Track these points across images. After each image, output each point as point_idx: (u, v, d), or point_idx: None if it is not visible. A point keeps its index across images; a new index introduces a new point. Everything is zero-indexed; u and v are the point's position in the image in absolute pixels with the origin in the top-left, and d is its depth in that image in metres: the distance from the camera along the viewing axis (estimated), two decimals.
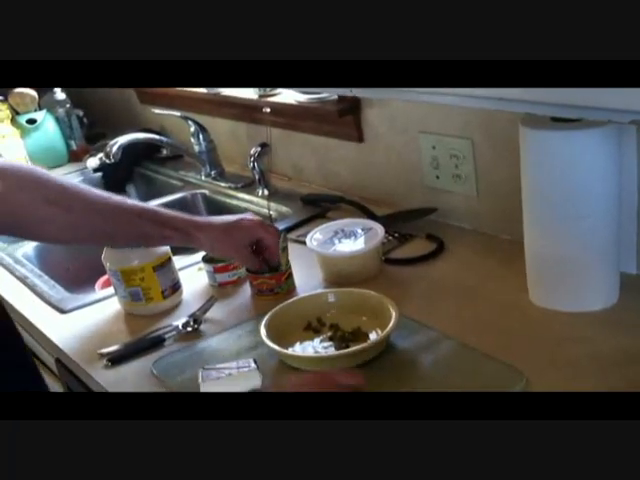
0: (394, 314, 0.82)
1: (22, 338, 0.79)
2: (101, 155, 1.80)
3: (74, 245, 1.04)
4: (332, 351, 0.83)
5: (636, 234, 0.89)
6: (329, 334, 0.87)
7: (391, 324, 0.81)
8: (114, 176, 1.80)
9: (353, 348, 0.81)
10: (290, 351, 0.84)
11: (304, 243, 1.07)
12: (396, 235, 1.15)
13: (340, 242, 1.04)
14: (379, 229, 1.05)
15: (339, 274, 1.03)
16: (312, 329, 0.89)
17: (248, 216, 1.01)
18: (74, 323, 1.04)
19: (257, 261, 0.99)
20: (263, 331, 0.85)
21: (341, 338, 0.85)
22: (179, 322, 0.96)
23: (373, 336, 0.84)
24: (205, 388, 0.79)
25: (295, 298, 0.95)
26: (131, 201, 0.95)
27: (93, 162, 1.82)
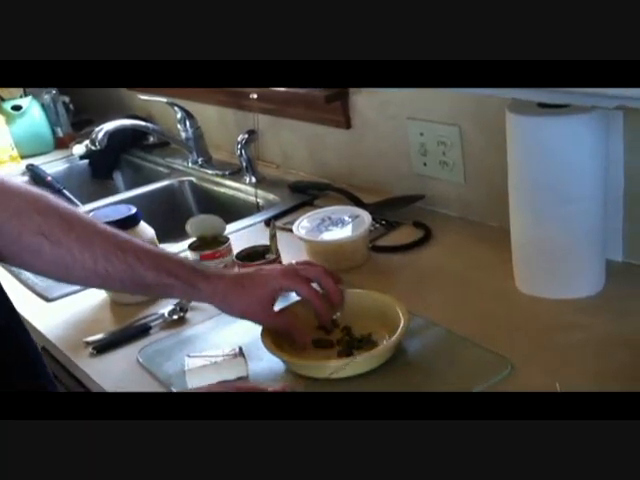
0: (402, 323, 0.78)
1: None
2: (87, 142, 1.78)
3: (66, 282, 0.86)
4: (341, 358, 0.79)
5: (622, 221, 0.89)
6: (339, 337, 0.82)
7: (397, 334, 0.77)
8: (100, 163, 1.79)
9: (354, 359, 0.76)
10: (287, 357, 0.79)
11: (291, 231, 1.07)
12: (383, 223, 1.14)
13: (327, 230, 1.04)
14: (366, 217, 1.05)
15: (326, 262, 1.02)
16: (324, 328, 0.84)
17: (271, 265, 0.88)
18: (59, 311, 1.03)
19: (287, 321, 0.81)
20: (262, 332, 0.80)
21: (347, 344, 0.81)
22: (165, 310, 0.96)
23: (382, 344, 0.79)
24: (190, 376, 0.78)
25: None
26: (135, 240, 0.81)
27: (79, 149, 1.80)
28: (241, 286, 0.79)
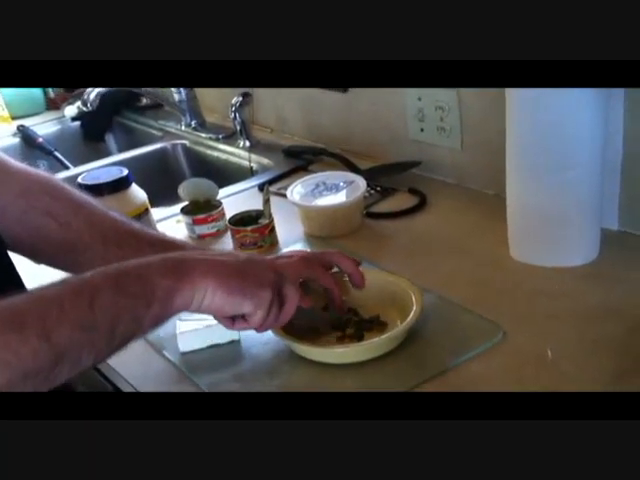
0: (415, 306, 0.74)
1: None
2: (79, 103, 1.76)
3: (71, 270, 0.77)
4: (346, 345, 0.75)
5: (619, 189, 0.88)
6: (347, 318, 0.79)
7: (410, 317, 0.73)
8: (92, 125, 1.76)
9: (366, 342, 0.74)
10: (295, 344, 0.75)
11: (285, 196, 1.06)
12: (378, 189, 1.13)
13: (322, 195, 1.03)
14: (361, 182, 1.04)
15: (320, 228, 1.02)
16: (329, 309, 0.79)
17: (288, 253, 0.80)
18: (51, 271, 1.02)
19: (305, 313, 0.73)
20: None
21: (357, 325, 0.78)
22: None
23: (391, 326, 0.76)
24: (182, 339, 0.78)
25: None
26: (148, 229, 0.78)
27: (71, 110, 1.77)
28: None
